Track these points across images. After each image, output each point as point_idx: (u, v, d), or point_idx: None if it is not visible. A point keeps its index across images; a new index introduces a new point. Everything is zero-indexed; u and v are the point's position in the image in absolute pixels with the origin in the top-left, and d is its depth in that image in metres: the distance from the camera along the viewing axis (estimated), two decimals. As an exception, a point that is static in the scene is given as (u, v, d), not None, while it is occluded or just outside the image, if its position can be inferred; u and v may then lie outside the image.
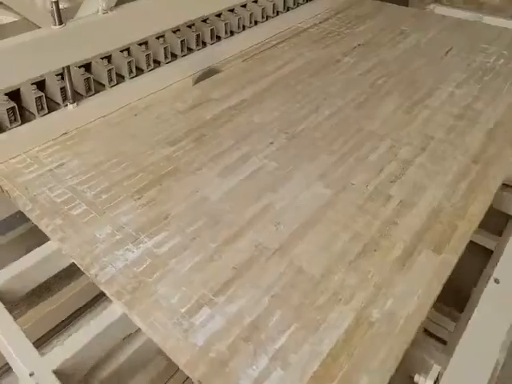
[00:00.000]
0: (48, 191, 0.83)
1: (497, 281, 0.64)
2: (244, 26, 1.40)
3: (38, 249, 0.75)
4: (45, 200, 0.81)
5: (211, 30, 1.29)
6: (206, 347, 0.56)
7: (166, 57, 1.19)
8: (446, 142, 0.94)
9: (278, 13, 1.51)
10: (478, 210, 0.76)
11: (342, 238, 0.72)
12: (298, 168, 0.88)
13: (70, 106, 0.97)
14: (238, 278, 0.65)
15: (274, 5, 1.46)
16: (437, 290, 0.62)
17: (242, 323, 0.59)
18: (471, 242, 0.72)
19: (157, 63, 1.20)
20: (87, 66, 1.08)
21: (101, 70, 1.07)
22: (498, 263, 0.67)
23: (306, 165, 0.89)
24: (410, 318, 0.59)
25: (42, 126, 0.97)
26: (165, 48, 1.18)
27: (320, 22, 1.57)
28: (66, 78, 0.93)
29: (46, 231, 0.74)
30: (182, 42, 1.21)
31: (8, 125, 0.94)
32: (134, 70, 1.12)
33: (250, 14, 1.39)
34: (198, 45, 1.27)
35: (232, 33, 1.37)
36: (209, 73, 1.18)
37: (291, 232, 0.73)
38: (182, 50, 1.23)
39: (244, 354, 0.56)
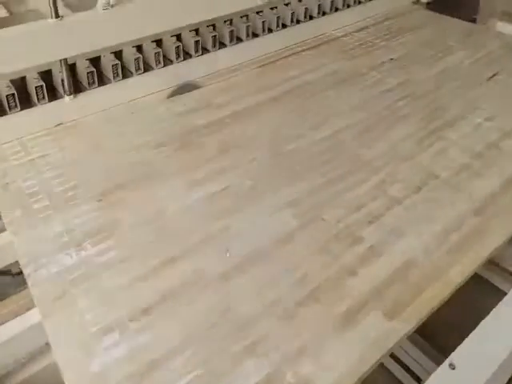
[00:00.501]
0: (21, 180, 0.85)
1: (452, 366, 0.54)
2: (271, 29, 1.35)
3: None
4: (15, 189, 0.83)
5: (230, 31, 1.25)
6: (100, 375, 0.53)
7: (178, 56, 1.18)
8: (449, 183, 0.82)
9: (311, 17, 1.44)
10: (460, 274, 0.65)
11: (288, 279, 0.65)
12: (273, 191, 0.82)
13: (67, 98, 0.99)
14: (161, 304, 0.62)
15: (306, 9, 1.39)
16: (366, 365, 0.53)
17: (143, 358, 0.55)
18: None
19: (169, 61, 1.19)
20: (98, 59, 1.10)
21: (106, 64, 1.08)
22: (457, 346, 0.56)
23: (283, 188, 0.83)
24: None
25: (38, 114, 1.00)
26: (177, 47, 1.16)
27: (356, 31, 1.46)
28: (63, 70, 0.94)
29: (4, 222, 0.76)
30: (196, 42, 1.19)
31: (8, 110, 0.98)
32: (141, 66, 1.13)
33: (277, 17, 1.33)
34: (214, 46, 1.24)
35: (256, 35, 1.32)
36: (186, 87, 1.12)
37: (237, 263, 0.68)
38: (196, 51, 1.21)
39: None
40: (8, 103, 0.97)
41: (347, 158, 0.90)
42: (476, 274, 0.66)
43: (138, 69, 1.12)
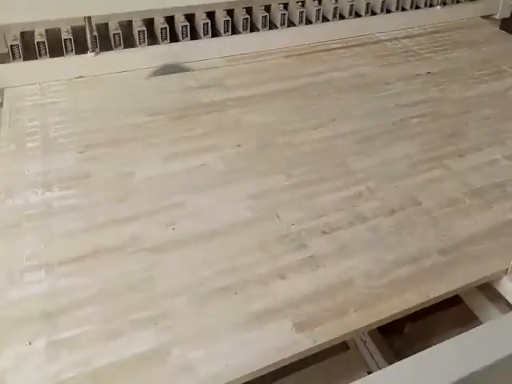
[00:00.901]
0: (27, 120, 0.94)
1: None
2: (310, 21, 1.32)
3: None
4: (19, 126, 0.92)
5: (264, 16, 1.25)
6: (15, 302, 0.60)
7: (225, 30, 1.21)
8: (430, 214, 0.76)
9: (357, 15, 1.39)
10: (391, 309, 0.61)
11: (217, 267, 0.66)
12: (243, 179, 0.83)
13: (89, 54, 1.07)
14: (91, 258, 0.66)
15: (351, 6, 1.34)
16: (252, 368, 0.52)
17: (56, 300, 0.60)
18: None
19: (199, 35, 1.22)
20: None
21: (134, 30, 1.14)
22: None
23: (253, 179, 0.83)
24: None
25: (63, 64, 1.08)
26: (205, 24, 1.19)
27: (404, 37, 1.38)
28: (87, 27, 1.02)
29: (-1, 152, 0.85)
30: (226, 22, 1.21)
31: (38, 56, 1.08)
32: (168, 35, 1.17)
33: (318, 10, 1.30)
34: (245, 28, 1.25)
35: (293, 24, 1.31)
36: (169, 69, 1.12)
37: (176, 238, 0.70)
38: (225, 30, 1.23)
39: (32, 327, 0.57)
40: (39, 49, 1.07)
41: (333, 163, 0.88)
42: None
43: (164, 38, 1.17)
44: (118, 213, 0.74)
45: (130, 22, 1.17)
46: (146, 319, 0.59)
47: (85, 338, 0.56)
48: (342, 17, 1.36)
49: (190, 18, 1.21)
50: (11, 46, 1.04)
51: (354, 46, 1.32)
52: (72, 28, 1.10)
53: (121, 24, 1.16)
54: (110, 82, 1.09)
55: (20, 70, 1.06)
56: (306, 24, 1.31)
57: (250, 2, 1.25)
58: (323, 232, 0.73)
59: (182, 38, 1.18)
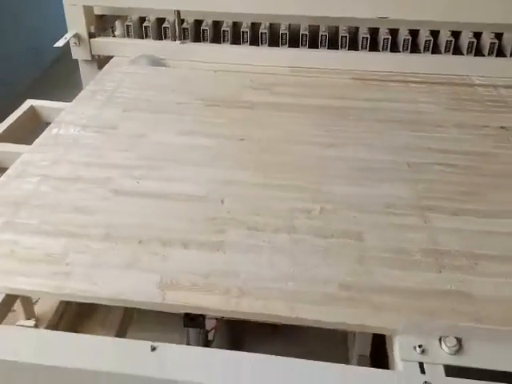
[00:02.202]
0: (108, 81, 1.24)
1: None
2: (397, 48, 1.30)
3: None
4: (101, 83, 1.22)
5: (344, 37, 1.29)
6: None
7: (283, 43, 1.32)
8: (364, 252, 0.72)
9: (458, 51, 1.29)
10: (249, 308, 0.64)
11: (155, 226, 0.80)
12: (219, 166, 0.93)
13: (178, 42, 1.32)
14: (71, 181, 0.87)
15: (450, 42, 1.26)
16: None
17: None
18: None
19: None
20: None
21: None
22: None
23: (229, 168, 0.92)
24: None
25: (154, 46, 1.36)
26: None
27: (506, 87, 1.22)
28: (176, 19, 1.26)
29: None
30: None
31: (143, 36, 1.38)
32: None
33: (405, 39, 1.27)
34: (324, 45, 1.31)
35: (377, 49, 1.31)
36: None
37: (133, 190, 0.85)
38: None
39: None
40: (146, 32, 1.37)
41: (311, 179, 0.89)
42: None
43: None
44: (112, 159, 0.94)
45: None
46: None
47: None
48: (435, 51, 1.30)
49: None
50: (127, 25, 1.36)
51: (436, 83, 1.25)
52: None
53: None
54: (185, 68, 1.32)
55: (129, 46, 1.37)
56: (390, 51, 1.30)
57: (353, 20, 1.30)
58: (248, 228, 0.78)
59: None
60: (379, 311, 0.63)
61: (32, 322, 0.72)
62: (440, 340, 0.60)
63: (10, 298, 0.67)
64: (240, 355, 0.60)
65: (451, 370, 0.58)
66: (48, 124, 1.09)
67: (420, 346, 0.59)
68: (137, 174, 0.90)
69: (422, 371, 0.57)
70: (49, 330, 0.73)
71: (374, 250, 0.73)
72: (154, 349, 0.59)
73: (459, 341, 0.59)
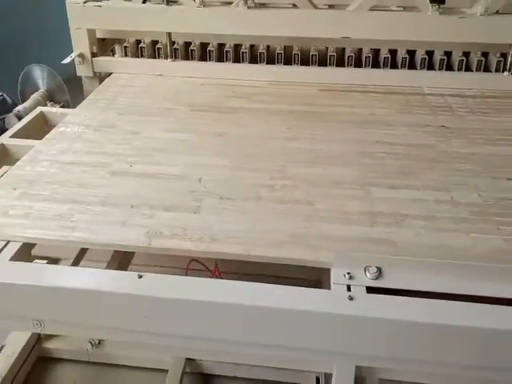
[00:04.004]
0: (110, 92, 1.49)
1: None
2: (360, 63, 1.56)
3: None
4: (102, 92, 1.47)
5: (314, 55, 1.55)
6: None
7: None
8: (315, 213, 0.94)
9: (413, 66, 1.54)
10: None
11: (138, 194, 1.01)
12: (196, 154, 1.15)
13: (169, 60, 1.58)
14: (74, 165, 1.09)
15: (404, 58, 1.52)
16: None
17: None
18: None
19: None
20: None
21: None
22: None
23: (203, 156, 1.14)
24: None
25: (151, 64, 1.62)
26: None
27: (453, 95, 1.47)
28: (168, 41, 1.53)
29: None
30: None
31: (139, 55, 1.64)
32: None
33: (366, 57, 1.53)
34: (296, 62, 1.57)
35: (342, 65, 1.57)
36: None
37: (127, 171, 1.07)
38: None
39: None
40: (141, 52, 1.64)
41: (277, 163, 1.11)
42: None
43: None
44: (110, 149, 1.17)
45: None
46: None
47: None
48: (393, 66, 1.55)
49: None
50: (125, 47, 1.63)
51: (391, 93, 1.49)
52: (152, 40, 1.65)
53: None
54: (176, 84, 1.56)
55: (126, 64, 1.63)
56: (350, 66, 1.56)
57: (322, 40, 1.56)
58: (221, 197, 0.99)
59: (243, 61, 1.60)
60: (316, 250, 0.84)
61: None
62: (365, 269, 0.80)
63: (27, 246, 0.88)
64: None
65: (373, 292, 0.78)
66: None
67: (348, 273, 0.79)
68: (130, 160, 1.12)
69: (349, 290, 0.77)
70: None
71: (321, 212, 0.95)
72: (140, 276, 0.79)
73: (379, 269, 0.79)
